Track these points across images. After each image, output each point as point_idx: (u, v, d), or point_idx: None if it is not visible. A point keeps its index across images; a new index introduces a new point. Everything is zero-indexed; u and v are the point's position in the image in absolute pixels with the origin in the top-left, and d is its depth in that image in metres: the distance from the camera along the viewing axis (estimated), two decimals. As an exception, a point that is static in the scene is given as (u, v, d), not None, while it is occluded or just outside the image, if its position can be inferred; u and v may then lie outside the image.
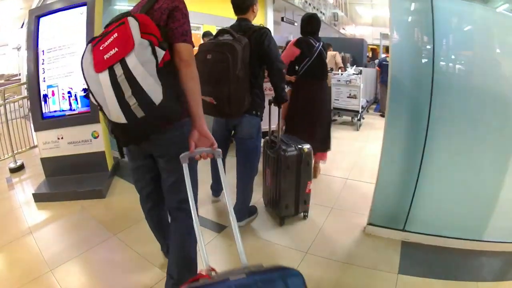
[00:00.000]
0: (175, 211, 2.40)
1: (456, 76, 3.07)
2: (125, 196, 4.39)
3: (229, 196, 1.91)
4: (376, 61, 12.83)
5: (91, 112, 4.53)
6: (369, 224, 3.47)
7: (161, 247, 3.02)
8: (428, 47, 2.94)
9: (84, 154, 4.67)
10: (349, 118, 8.68)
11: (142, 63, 1.81)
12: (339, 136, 7.38)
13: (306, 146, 3.58)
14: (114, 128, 2.01)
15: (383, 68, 9.79)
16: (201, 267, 2.01)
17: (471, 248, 3.08)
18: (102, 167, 4.77)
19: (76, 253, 3.20)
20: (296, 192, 3.60)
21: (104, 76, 1.85)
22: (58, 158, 4.66)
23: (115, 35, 1.87)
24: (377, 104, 11.38)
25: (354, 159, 5.88)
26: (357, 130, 8.12)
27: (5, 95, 5.82)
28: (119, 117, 1.89)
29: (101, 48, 1.89)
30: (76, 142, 4.63)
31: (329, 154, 5.14)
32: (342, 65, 8.91)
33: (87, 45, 1.98)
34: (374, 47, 21.75)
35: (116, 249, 3.32)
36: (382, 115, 9.76)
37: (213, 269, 1.65)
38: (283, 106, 3.73)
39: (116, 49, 1.84)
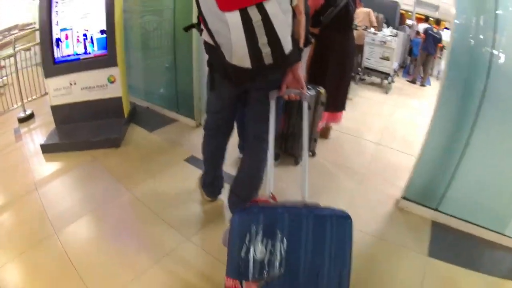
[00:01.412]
0: (256, 137, 2.49)
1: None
2: (141, 145, 4.19)
3: (306, 135, 2.12)
4: (408, 27, 12.54)
5: (108, 55, 4.24)
6: (403, 198, 3.31)
7: (204, 175, 3.12)
8: (490, 24, 2.71)
9: (98, 100, 4.39)
10: (378, 80, 8.42)
11: (283, 12, 1.75)
12: (368, 97, 7.30)
13: (322, 89, 3.66)
14: (228, 68, 1.90)
15: (428, 36, 9.64)
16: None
17: (497, 242, 2.96)
18: (118, 114, 4.51)
19: (83, 212, 3.02)
20: (310, 131, 3.62)
21: (234, 17, 1.72)
22: (70, 105, 4.38)
23: None
24: (404, 69, 11.26)
25: (384, 123, 5.64)
26: (386, 93, 7.84)
27: (19, 44, 5.56)
28: (243, 61, 1.82)
29: None
30: (90, 88, 4.33)
31: (360, 114, 4.98)
32: (376, 24, 8.48)
33: None
34: (403, 12, 21.19)
35: (129, 207, 3.13)
36: (412, 82, 9.57)
37: (274, 197, 1.94)
38: (307, 58, 3.70)
39: None
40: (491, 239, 2.95)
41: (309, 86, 3.54)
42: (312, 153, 4.04)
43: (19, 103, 5.38)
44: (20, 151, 4.28)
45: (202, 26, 1.93)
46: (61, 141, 4.16)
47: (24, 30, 9.81)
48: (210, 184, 3.07)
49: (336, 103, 4.29)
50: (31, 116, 5.24)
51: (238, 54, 1.79)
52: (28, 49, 5.98)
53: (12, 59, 5.27)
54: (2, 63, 5.86)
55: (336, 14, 3.95)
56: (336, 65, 4.14)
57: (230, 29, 1.73)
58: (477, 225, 3.00)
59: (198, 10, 1.83)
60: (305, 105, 2.19)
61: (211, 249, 2.64)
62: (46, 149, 4.03)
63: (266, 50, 1.77)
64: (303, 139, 2.12)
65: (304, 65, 3.54)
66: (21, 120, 5.15)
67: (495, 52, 2.68)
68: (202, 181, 3.16)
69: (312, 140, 3.90)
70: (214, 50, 1.88)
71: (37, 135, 4.71)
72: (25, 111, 5.26)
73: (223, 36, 1.78)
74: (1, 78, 6.19)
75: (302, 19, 2.06)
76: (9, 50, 5.42)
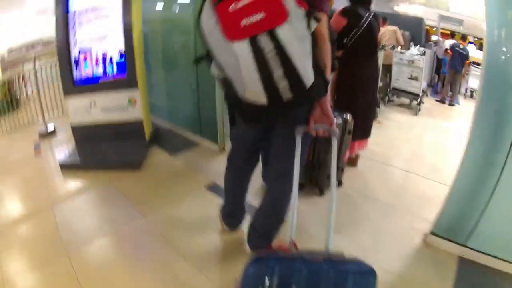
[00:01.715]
0: (280, 176, 2.31)
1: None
2: (161, 169, 4.09)
3: (334, 173, 1.93)
4: (434, 44, 12.35)
5: (127, 77, 4.18)
6: (432, 233, 3.10)
7: (224, 205, 2.98)
8: None
9: (119, 122, 4.35)
10: (407, 101, 8.19)
11: (298, 39, 1.59)
12: (396, 119, 7.08)
13: (349, 116, 3.47)
14: (244, 106, 1.73)
15: (454, 53, 9.34)
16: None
17: None
18: (139, 136, 4.45)
19: (97, 235, 2.95)
20: (337, 161, 3.35)
21: (243, 47, 1.57)
22: (90, 126, 4.37)
23: None
24: (432, 88, 10.96)
25: (413, 148, 5.45)
26: (416, 115, 7.60)
27: (41, 61, 5.61)
28: (257, 96, 1.65)
29: (232, 8, 1.58)
30: (110, 109, 4.29)
31: (389, 139, 4.95)
32: (403, 43, 8.30)
33: (204, 0, 1.67)
34: (428, 28, 21.07)
35: (142, 234, 3.01)
36: (441, 102, 9.30)
37: (295, 244, 1.80)
38: (331, 83, 3.49)
39: (262, 14, 1.55)
40: None
41: (334, 113, 3.35)
42: (339, 183, 3.83)
43: (41, 118, 5.43)
44: (38, 167, 4.29)
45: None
46: (80, 160, 4.14)
47: (48, 45, 9.99)
48: (230, 215, 2.93)
49: (364, 131, 4.15)
50: (52, 132, 5.26)
51: (251, 89, 1.63)
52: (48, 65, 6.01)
53: (39, 73, 5.38)
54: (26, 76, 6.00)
55: (359, 36, 3.82)
56: (362, 92, 4.01)
57: (239, 61, 1.58)
58: (507, 261, 2.81)
59: (202, 41, 1.67)
60: (334, 142, 2.00)
61: (222, 286, 2.53)
62: (65, 167, 4.00)
63: (283, 84, 1.59)
64: (331, 182, 1.94)
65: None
66: (42, 135, 5.18)
67: None
68: (222, 211, 3.02)
69: (339, 170, 3.72)
70: (226, 85, 1.74)
71: (57, 151, 4.68)
72: (46, 126, 5.31)
73: (232, 69, 1.64)
74: (26, 92, 6.25)
75: (326, 45, 1.90)
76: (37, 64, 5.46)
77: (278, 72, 1.56)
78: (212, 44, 1.63)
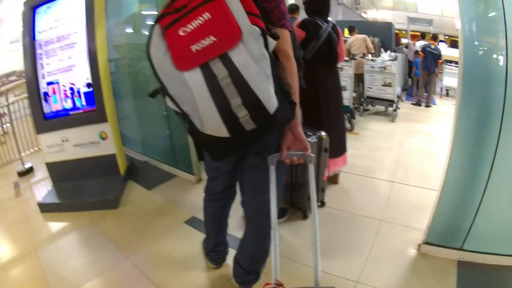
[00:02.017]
0: (258, 212, 2.21)
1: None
2: (139, 205, 3.94)
3: (315, 206, 1.83)
4: (404, 47, 12.50)
5: (97, 110, 4.04)
6: (425, 243, 3.05)
7: (206, 241, 2.88)
8: (501, 40, 2.51)
9: (92, 158, 4.19)
10: (383, 108, 8.20)
11: (255, 61, 1.43)
12: (376, 129, 7.03)
13: (323, 133, 3.39)
14: (206, 140, 1.59)
15: (426, 54, 9.47)
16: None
17: None
18: (114, 172, 4.29)
19: (83, 281, 2.78)
20: (317, 181, 3.32)
21: (195, 76, 1.44)
22: (65, 163, 4.21)
23: (207, 15, 1.40)
24: (407, 91, 11.10)
25: (396, 157, 5.41)
26: (393, 121, 7.60)
27: (14, 93, 5.49)
28: (218, 130, 1.52)
29: (181, 33, 1.43)
30: (82, 145, 4.14)
31: (369, 150, 4.97)
32: (373, 50, 8.33)
33: (153, 26, 1.49)
34: (397, 31, 21.42)
35: (128, 277, 2.85)
36: (417, 104, 9.40)
37: (280, 284, 1.65)
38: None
39: (212, 38, 1.40)
40: None
41: (308, 132, 3.34)
42: (321, 204, 3.72)
43: (17, 156, 5.33)
44: (19, 208, 4.15)
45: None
46: (58, 200, 3.97)
47: (22, 77, 9.84)
48: (213, 250, 2.80)
49: (339, 146, 4.06)
50: (30, 170, 5.11)
51: (210, 123, 1.51)
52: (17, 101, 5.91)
53: (12, 106, 5.26)
54: (1, 111, 5.78)
55: (319, 48, 3.77)
56: (328, 106, 3.94)
57: (193, 92, 1.45)
58: (505, 255, 2.82)
59: (153, 73, 1.51)
60: (311, 168, 1.89)
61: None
62: (44, 208, 3.86)
63: (242, 113, 1.46)
64: (312, 209, 1.83)
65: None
66: (20, 174, 5.05)
67: (510, 64, 2.47)
68: (204, 247, 2.91)
69: (320, 190, 3.61)
70: (185, 119, 1.58)
71: (37, 190, 4.56)
72: (23, 164, 5.18)
73: (187, 102, 1.50)
74: (2, 127, 6.09)
75: (291, 65, 1.76)
76: (10, 98, 5.32)
77: (235, 101, 1.44)
78: (163, 77, 1.49)
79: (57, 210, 3.83)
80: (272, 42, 1.49)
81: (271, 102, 1.48)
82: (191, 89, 1.44)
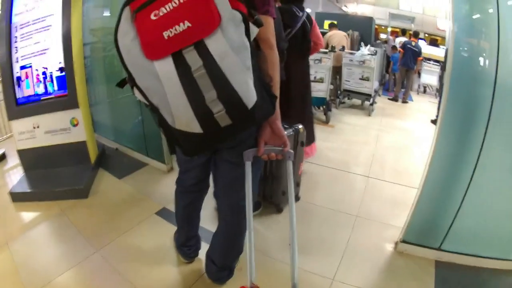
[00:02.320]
0: (231, 209, 2.17)
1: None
2: (110, 195, 3.84)
3: (292, 204, 1.74)
4: (383, 42, 12.60)
5: (68, 95, 3.92)
6: (403, 241, 3.04)
7: (177, 234, 2.81)
8: (493, 43, 2.47)
9: (63, 145, 4.07)
10: (359, 101, 8.27)
11: (234, 50, 1.32)
12: (351, 122, 7.04)
13: (300, 126, 3.34)
14: (177, 135, 1.48)
15: (406, 51, 9.58)
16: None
17: (506, 268, 2.84)
18: (84, 159, 4.18)
19: (54, 274, 2.68)
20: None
21: (166, 66, 1.32)
22: (36, 150, 4.07)
23: None
24: (383, 86, 11.17)
25: (371, 151, 5.40)
26: (369, 115, 7.64)
27: None
28: (190, 125, 1.40)
29: (153, 17, 1.31)
30: (53, 131, 4.02)
31: (345, 143, 5.01)
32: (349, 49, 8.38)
33: (122, 9, 1.37)
34: (377, 26, 21.58)
35: (98, 271, 2.76)
36: (394, 100, 9.49)
37: (256, 287, 1.57)
38: None
39: (187, 23, 1.28)
40: (499, 267, 2.81)
41: (285, 125, 3.22)
42: (296, 198, 3.62)
43: None
44: None
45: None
46: (29, 189, 3.85)
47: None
48: (185, 245, 2.72)
49: (308, 136, 3.97)
50: (2, 157, 4.92)
51: (181, 118, 1.39)
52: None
53: None
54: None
55: (293, 36, 3.75)
56: (299, 95, 3.95)
57: (163, 84, 1.34)
58: (485, 257, 2.83)
59: (120, 62, 1.39)
60: (290, 165, 1.79)
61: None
62: (16, 197, 3.73)
63: (218, 108, 1.35)
64: (290, 208, 1.73)
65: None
66: None
67: (501, 67, 2.44)
68: (176, 241, 2.84)
69: (295, 185, 3.36)
70: (154, 112, 1.46)
71: (9, 178, 4.39)
72: None
73: (156, 94, 1.38)
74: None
75: (273, 56, 1.65)
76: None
77: (210, 95, 1.33)
78: (130, 66, 1.37)
79: (28, 200, 3.72)
80: (254, 30, 1.39)
81: (250, 96, 1.38)
82: (161, 80, 1.33)
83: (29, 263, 2.81)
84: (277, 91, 1.68)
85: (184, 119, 1.38)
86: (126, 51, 1.34)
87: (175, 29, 1.28)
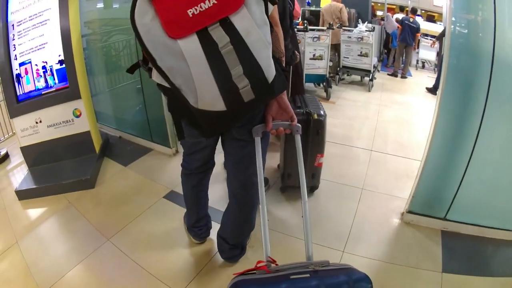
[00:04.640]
0: (243, 186, 2.19)
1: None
2: (116, 183, 3.85)
3: (303, 180, 1.74)
4: (380, 19, 12.54)
5: (70, 87, 3.92)
6: (409, 212, 3.10)
7: (187, 215, 2.83)
8: (489, 18, 2.49)
9: (66, 137, 4.06)
10: (358, 78, 8.31)
11: (258, 26, 1.35)
12: (352, 98, 7.10)
13: (317, 112, 3.14)
14: (199, 117, 1.44)
15: (404, 27, 9.59)
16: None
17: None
18: (89, 150, 4.19)
19: (66, 268, 2.68)
20: (305, 165, 3.22)
21: (191, 44, 1.30)
22: (39, 145, 4.05)
23: None
24: (382, 62, 11.17)
25: (373, 126, 5.45)
26: (369, 91, 7.66)
27: None
28: (213, 104, 1.38)
29: None
30: (56, 125, 4.01)
31: (346, 119, 5.13)
32: (347, 24, 8.28)
33: None
34: (373, 3, 21.41)
35: (110, 260, 2.77)
36: (394, 75, 9.48)
37: (273, 261, 1.54)
38: None
39: (212, 0, 1.29)
40: (504, 238, 2.85)
41: (301, 105, 3.27)
42: (311, 189, 3.45)
43: None
44: None
45: (150, 64, 1.42)
46: (35, 185, 3.83)
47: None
48: (195, 226, 2.73)
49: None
50: (5, 157, 4.87)
51: (206, 96, 1.36)
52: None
53: None
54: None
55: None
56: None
57: (188, 63, 1.31)
58: (489, 227, 2.88)
59: (139, 43, 1.34)
60: (298, 139, 1.82)
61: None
62: (22, 195, 3.71)
63: (243, 84, 1.35)
64: (301, 182, 1.73)
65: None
66: None
67: (498, 39, 2.45)
68: (186, 223, 2.85)
69: (309, 175, 3.29)
70: (171, 94, 1.44)
71: (13, 178, 4.36)
72: None
73: (180, 74, 1.34)
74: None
75: (280, 32, 1.67)
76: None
77: (237, 70, 1.33)
78: (151, 47, 1.32)
79: (35, 196, 3.71)
80: (270, 7, 1.42)
81: (271, 71, 1.42)
82: (186, 59, 1.30)
83: (41, 260, 2.81)
84: (284, 64, 1.71)
85: (209, 97, 1.37)
86: (145, 30, 1.31)
87: (200, 7, 1.28)
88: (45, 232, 3.21)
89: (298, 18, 4.62)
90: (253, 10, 1.34)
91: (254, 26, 1.33)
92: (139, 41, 1.32)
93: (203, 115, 1.41)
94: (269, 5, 1.42)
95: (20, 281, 2.61)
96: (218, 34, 1.30)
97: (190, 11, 1.27)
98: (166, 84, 1.39)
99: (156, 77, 1.44)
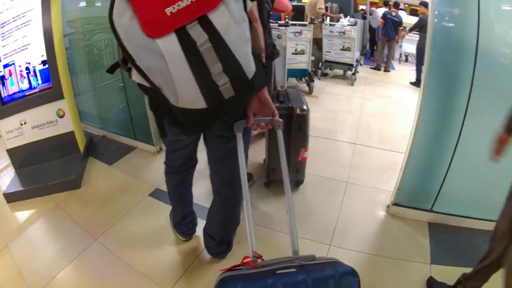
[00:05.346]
0: (225, 181, 2.21)
1: (503, 43, 2.61)
2: (102, 182, 3.85)
3: (286, 175, 1.76)
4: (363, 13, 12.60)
5: (53, 87, 3.90)
6: (394, 204, 3.14)
7: (172, 213, 2.88)
8: (473, 11, 2.50)
9: (51, 138, 4.05)
10: (341, 72, 8.34)
11: (236, 23, 1.35)
12: (335, 92, 7.14)
13: (300, 107, 3.15)
14: (180, 116, 1.44)
15: (387, 21, 9.59)
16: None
17: None
18: (73, 150, 4.18)
19: (57, 270, 2.68)
20: (288, 160, 3.25)
21: (170, 43, 1.29)
22: (25, 147, 4.03)
23: None
24: (365, 56, 11.34)
25: (357, 119, 5.51)
26: (352, 85, 7.70)
27: None
28: (194, 102, 1.38)
29: None
30: (40, 125, 3.99)
31: (329, 112, 5.18)
32: (324, 11, 8.22)
33: None
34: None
35: (99, 259, 2.78)
36: (376, 69, 9.54)
37: (259, 256, 1.54)
38: None
39: None
40: (491, 229, 2.78)
41: (284, 100, 3.25)
42: (296, 184, 3.48)
43: None
44: None
45: (129, 64, 1.40)
46: (22, 187, 3.81)
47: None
48: (181, 223, 2.76)
49: None
50: None
51: (186, 95, 1.36)
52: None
53: None
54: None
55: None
56: None
57: (167, 62, 1.30)
58: (476, 218, 2.91)
59: (118, 43, 1.33)
60: (280, 134, 1.82)
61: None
62: (10, 198, 3.69)
63: (223, 81, 1.35)
64: (284, 177, 1.76)
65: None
66: None
67: (481, 33, 2.48)
68: (172, 220, 2.88)
69: (293, 170, 3.33)
70: (152, 93, 1.45)
71: (1, 181, 4.29)
72: None
73: (159, 74, 1.33)
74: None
75: (259, 27, 1.65)
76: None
77: (216, 68, 1.33)
78: (130, 47, 1.31)
79: (22, 198, 3.69)
80: (248, 4, 1.43)
81: (251, 67, 1.43)
82: (165, 58, 1.30)
83: (31, 262, 2.81)
84: (264, 59, 1.72)
85: (189, 95, 1.37)
86: (124, 31, 1.30)
87: (178, 5, 1.27)
88: (34, 234, 3.20)
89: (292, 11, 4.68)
90: (231, 7, 1.34)
91: (233, 23, 1.34)
92: (118, 41, 1.32)
93: (184, 113, 1.42)
94: (248, 1, 1.42)
95: (12, 284, 2.61)
96: (197, 32, 1.30)
97: (168, 10, 1.26)
98: (147, 84, 1.39)
99: (136, 76, 1.43)
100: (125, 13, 1.28)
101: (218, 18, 1.31)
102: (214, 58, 1.32)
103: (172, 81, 1.33)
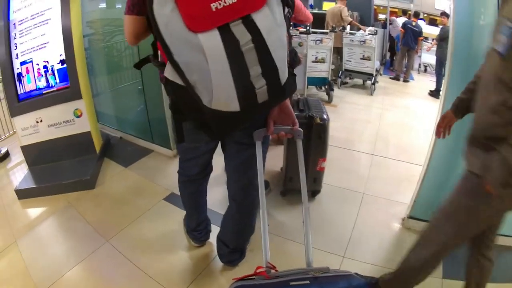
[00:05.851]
0: (243, 188, 2.18)
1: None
2: (116, 184, 3.83)
3: (304, 185, 1.73)
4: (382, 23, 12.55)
5: (71, 87, 3.90)
6: (410, 217, 3.09)
7: (186, 219, 2.83)
8: (492, 23, 2.34)
9: (67, 137, 4.05)
10: (360, 81, 8.25)
11: (278, 26, 1.33)
12: (353, 101, 7.08)
13: (320, 116, 3.10)
14: (209, 118, 1.37)
15: (407, 31, 9.53)
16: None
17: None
18: (89, 150, 4.18)
19: (65, 269, 2.67)
20: (306, 170, 3.19)
21: (212, 39, 1.24)
22: (39, 145, 4.04)
23: None
24: (385, 65, 11.18)
25: (375, 129, 5.45)
26: (371, 94, 7.63)
27: None
28: (228, 104, 1.32)
29: None
30: (57, 124, 3.99)
31: (348, 122, 5.14)
32: (346, 23, 8.24)
33: None
34: (375, 7, 21.36)
35: (109, 261, 2.75)
36: (396, 79, 9.44)
37: (273, 267, 1.53)
38: None
39: None
40: (508, 244, 2.82)
41: (304, 108, 3.23)
42: (312, 194, 3.44)
43: None
44: None
45: (162, 59, 1.40)
46: (35, 185, 3.81)
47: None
48: (195, 230, 2.72)
49: None
50: (6, 155, 4.84)
51: (222, 95, 1.30)
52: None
53: None
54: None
55: None
56: None
57: (207, 58, 1.24)
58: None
59: (155, 34, 1.29)
60: (299, 143, 1.79)
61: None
62: (21, 194, 3.70)
63: (260, 84, 1.32)
64: (302, 187, 1.72)
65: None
66: None
67: None
68: (186, 226, 2.84)
69: (310, 180, 3.25)
70: (182, 92, 1.35)
71: (14, 177, 4.33)
72: None
73: (197, 70, 1.27)
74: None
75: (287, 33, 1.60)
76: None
77: (255, 70, 1.29)
78: (169, 39, 1.25)
79: (34, 195, 3.70)
80: (286, 9, 1.40)
81: (284, 73, 1.40)
82: (206, 54, 1.24)
83: (39, 260, 2.80)
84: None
85: (224, 96, 1.31)
86: (164, 22, 1.24)
87: (224, 1, 1.23)
88: (44, 232, 3.19)
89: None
90: (274, 10, 1.31)
91: (275, 25, 1.31)
92: (156, 33, 1.26)
93: (214, 115, 1.35)
94: (285, 7, 1.39)
95: (18, 280, 2.60)
96: (240, 31, 1.26)
97: (214, 5, 1.23)
98: (179, 81, 1.33)
99: (169, 73, 1.36)
100: (167, 4, 1.23)
101: (261, 19, 1.28)
102: (254, 59, 1.28)
103: (209, 80, 1.28)
